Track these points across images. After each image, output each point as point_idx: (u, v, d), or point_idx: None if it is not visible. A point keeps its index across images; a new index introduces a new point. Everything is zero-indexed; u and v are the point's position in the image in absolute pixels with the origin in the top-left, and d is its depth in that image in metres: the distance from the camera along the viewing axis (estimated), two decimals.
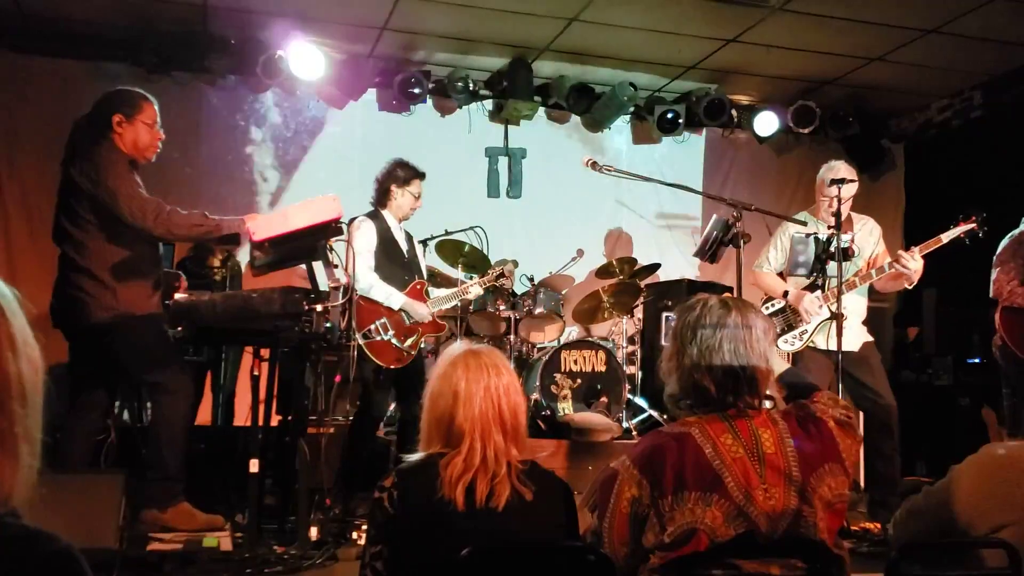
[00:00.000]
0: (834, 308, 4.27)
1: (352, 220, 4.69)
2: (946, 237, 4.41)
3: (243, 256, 5.47)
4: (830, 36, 6.30)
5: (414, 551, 1.91)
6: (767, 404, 2.04)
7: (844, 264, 4.25)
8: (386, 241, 4.81)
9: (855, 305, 4.61)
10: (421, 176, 4.89)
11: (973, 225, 4.40)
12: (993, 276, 4.88)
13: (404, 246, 4.92)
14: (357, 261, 4.09)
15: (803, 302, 4.54)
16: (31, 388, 1.10)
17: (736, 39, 6.40)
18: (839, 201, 4.28)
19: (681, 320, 2.08)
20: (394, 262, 4.82)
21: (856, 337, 4.59)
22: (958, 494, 2.18)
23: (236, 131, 7.02)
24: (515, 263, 5.74)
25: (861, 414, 4.47)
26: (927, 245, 4.40)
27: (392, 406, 5.39)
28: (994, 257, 4.90)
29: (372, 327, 4.59)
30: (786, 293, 4.64)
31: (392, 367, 4.64)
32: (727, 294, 2.63)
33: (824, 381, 4.27)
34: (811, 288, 4.54)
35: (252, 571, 3.35)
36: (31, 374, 1.10)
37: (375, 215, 4.84)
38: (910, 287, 4.52)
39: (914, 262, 4.33)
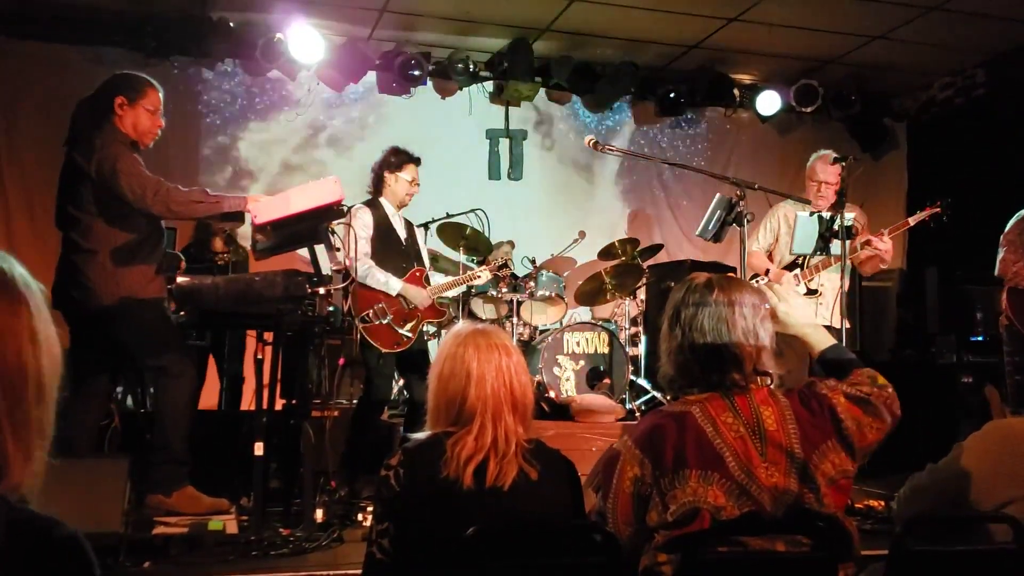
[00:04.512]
0: (812, 285, 4.69)
1: (349, 208, 4.69)
2: (912, 221, 4.76)
3: (245, 240, 5.46)
4: (832, 14, 6.26)
5: (420, 529, 1.91)
6: (769, 381, 2.02)
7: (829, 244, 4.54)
8: (383, 229, 4.80)
9: (831, 283, 4.78)
10: (415, 161, 4.88)
11: (938, 210, 4.70)
12: (1000, 256, 4.89)
13: (402, 233, 4.92)
14: (357, 245, 4.08)
15: (781, 280, 4.66)
16: (49, 384, 1.11)
17: (738, 18, 6.36)
18: (844, 181, 4.37)
19: (670, 301, 2.08)
20: (391, 249, 4.82)
21: (834, 314, 4.72)
22: (963, 470, 2.18)
23: (235, 116, 6.99)
24: (511, 244, 5.71)
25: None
26: (895, 228, 4.74)
27: (396, 389, 5.40)
28: (1001, 236, 4.90)
29: (369, 312, 4.60)
30: (768, 271, 4.78)
31: (392, 351, 4.65)
32: (729, 274, 2.62)
33: (804, 357, 4.30)
34: (790, 267, 4.77)
35: (258, 554, 3.35)
36: (50, 370, 1.11)
37: (372, 203, 4.84)
38: (884, 267, 4.93)
39: (883, 243, 4.63)
